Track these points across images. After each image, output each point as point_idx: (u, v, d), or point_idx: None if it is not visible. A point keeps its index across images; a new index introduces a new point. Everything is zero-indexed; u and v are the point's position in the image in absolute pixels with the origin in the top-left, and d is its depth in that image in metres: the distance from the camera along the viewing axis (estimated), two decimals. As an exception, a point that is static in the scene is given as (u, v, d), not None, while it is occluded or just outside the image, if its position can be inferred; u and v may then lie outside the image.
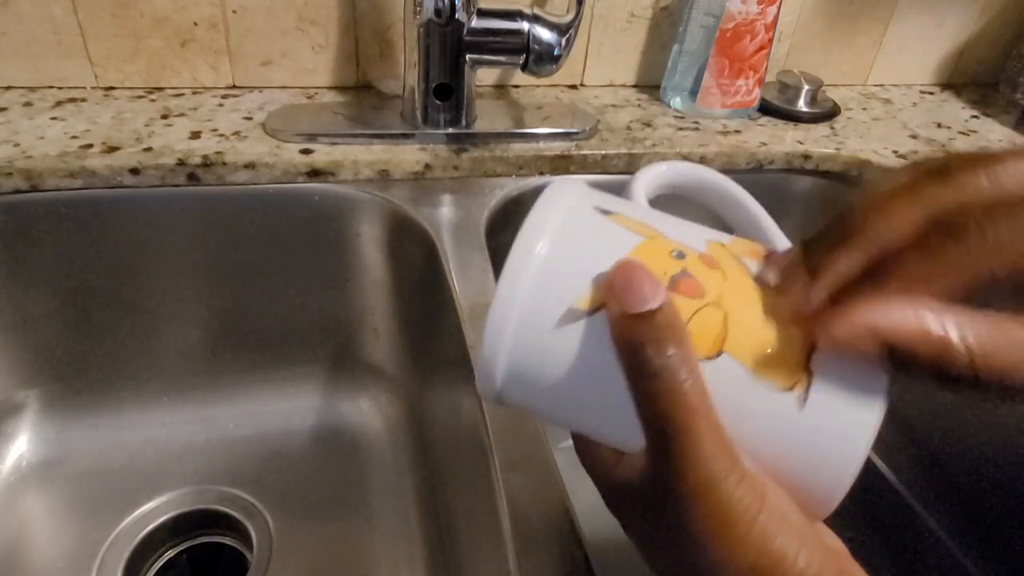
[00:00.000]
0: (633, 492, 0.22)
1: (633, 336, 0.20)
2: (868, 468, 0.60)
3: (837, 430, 0.20)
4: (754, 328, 0.21)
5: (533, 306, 0.22)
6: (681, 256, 0.22)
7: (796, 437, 0.20)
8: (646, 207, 0.26)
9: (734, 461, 0.20)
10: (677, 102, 0.65)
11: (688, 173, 0.33)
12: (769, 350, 0.20)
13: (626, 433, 0.21)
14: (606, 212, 0.23)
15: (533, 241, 0.22)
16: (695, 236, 0.23)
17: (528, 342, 0.22)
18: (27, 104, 0.55)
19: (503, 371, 0.23)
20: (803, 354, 0.20)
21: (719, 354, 0.20)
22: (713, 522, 0.20)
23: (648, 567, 0.23)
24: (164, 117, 0.55)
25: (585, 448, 0.24)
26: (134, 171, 0.49)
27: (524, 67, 0.52)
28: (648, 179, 0.30)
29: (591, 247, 0.22)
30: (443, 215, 0.51)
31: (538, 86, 0.66)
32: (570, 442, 0.25)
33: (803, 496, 0.21)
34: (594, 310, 0.21)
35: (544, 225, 0.22)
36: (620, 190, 0.28)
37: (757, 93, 0.64)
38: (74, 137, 0.51)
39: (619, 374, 0.21)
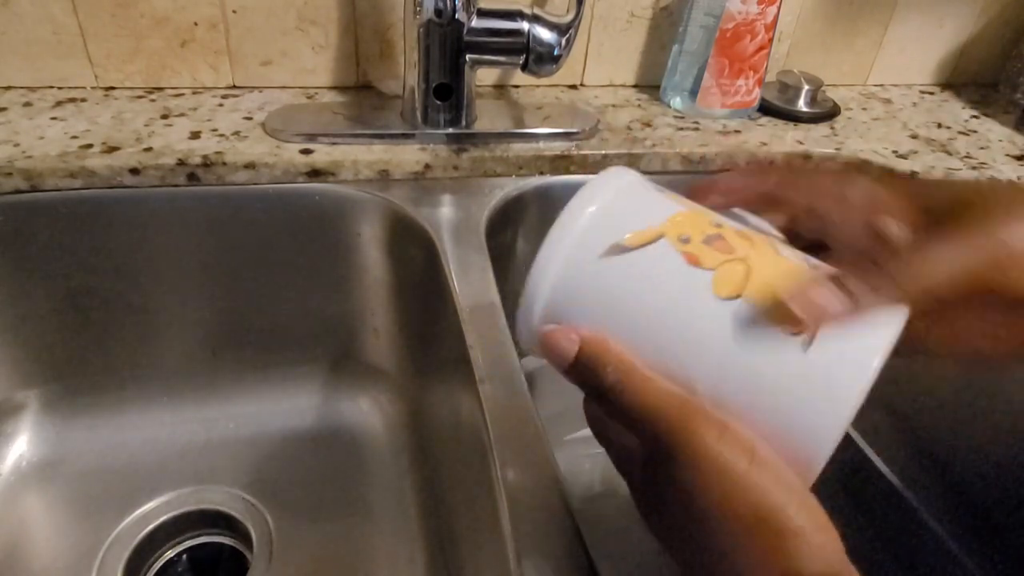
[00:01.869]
0: (638, 460, 0.25)
1: (576, 379, 0.24)
2: (868, 467, 0.60)
3: (836, 372, 0.21)
4: (771, 282, 0.23)
5: (577, 251, 0.25)
6: (719, 226, 0.25)
7: (797, 376, 0.22)
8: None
9: (708, 420, 0.22)
10: (677, 102, 0.65)
11: None
12: (782, 300, 0.22)
13: (657, 347, 0.24)
14: (658, 189, 0.27)
15: (584, 202, 0.25)
16: (738, 222, 0.26)
17: (570, 279, 0.25)
18: (27, 104, 0.55)
19: (543, 305, 0.25)
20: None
21: (737, 297, 0.23)
22: (703, 480, 0.21)
23: (657, 541, 0.25)
24: (164, 117, 0.55)
25: (598, 419, 0.27)
26: (134, 171, 0.49)
27: (524, 67, 0.52)
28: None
29: (635, 210, 0.25)
30: (443, 215, 0.51)
31: (538, 86, 0.66)
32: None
33: (799, 439, 0.22)
34: (636, 246, 0.24)
35: (596, 190, 0.26)
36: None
37: (757, 93, 0.64)
38: (74, 137, 0.51)
39: (655, 298, 0.24)
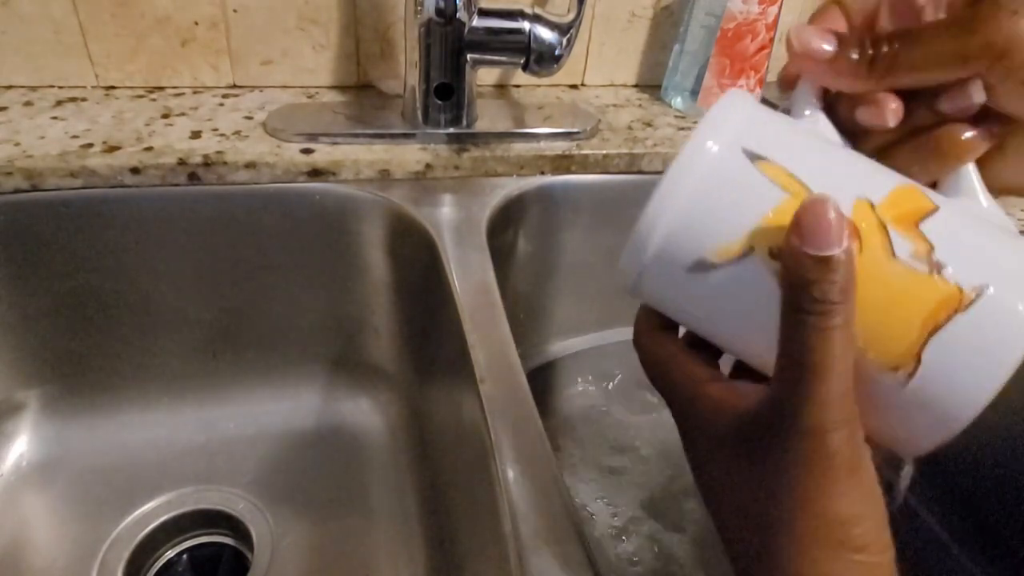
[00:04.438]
0: (732, 422, 0.22)
1: (806, 274, 0.20)
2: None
3: (927, 419, 0.21)
4: (873, 306, 0.21)
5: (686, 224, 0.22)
6: None
7: (886, 416, 0.21)
8: (810, 138, 0.24)
9: (853, 416, 0.20)
10: (678, 102, 0.65)
11: None
12: (882, 329, 0.21)
13: (757, 350, 0.22)
14: (757, 157, 0.22)
15: (703, 139, 0.23)
16: (849, 188, 0.22)
17: (686, 237, 0.22)
18: (27, 103, 0.55)
19: (651, 259, 0.23)
20: (919, 342, 0.20)
21: None
22: (809, 467, 0.20)
23: (712, 517, 0.24)
24: (165, 116, 0.55)
25: (670, 368, 0.24)
26: (135, 171, 0.49)
27: (525, 67, 0.52)
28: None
29: (732, 202, 0.22)
30: (444, 215, 0.51)
31: (539, 86, 0.66)
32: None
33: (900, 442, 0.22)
34: (723, 263, 0.22)
35: (717, 125, 0.23)
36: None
37: (758, 93, 0.64)
38: (75, 136, 0.51)
39: (771, 298, 0.21)
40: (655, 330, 0.25)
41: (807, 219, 0.20)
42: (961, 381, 0.20)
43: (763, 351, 0.22)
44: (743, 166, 0.22)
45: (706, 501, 0.24)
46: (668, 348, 0.25)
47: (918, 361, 0.20)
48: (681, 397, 0.24)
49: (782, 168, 0.22)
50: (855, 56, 0.23)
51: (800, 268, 0.20)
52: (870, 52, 0.22)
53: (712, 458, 0.23)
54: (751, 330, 0.22)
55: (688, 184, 0.22)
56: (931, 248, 0.21)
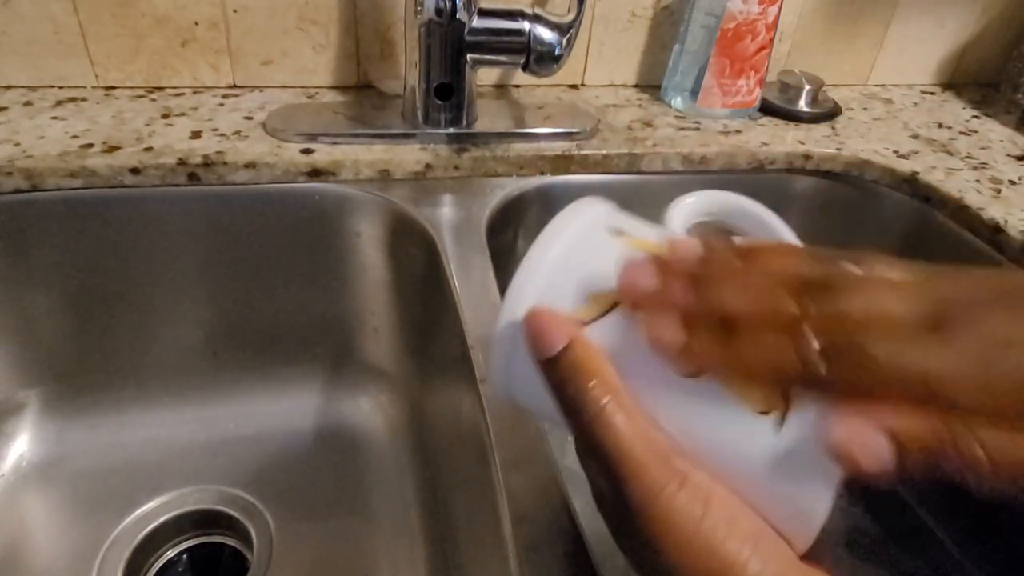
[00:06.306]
0: (606, 501, 0.23)
1: (552, 378, 0.22)
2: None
3: (809, 462, 0.20)
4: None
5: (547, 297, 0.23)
6: None
7: (767, 462, 0.20)
8: (666, 231, 0.26)
9: (671, 471, 0.21)
10: (678, 102, 0.65)
11: (720, 202, 0.34)
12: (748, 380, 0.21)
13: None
14: (618, 232, 0.24)
15: (541, 254, 0.23)
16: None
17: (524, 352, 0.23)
18: (27, 103, 0.55)
19: (507, 375, 0.24)
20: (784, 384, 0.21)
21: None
22: (658, 529, 0.20)
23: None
24: (165, 116, 0.55)
25: (582, 461, 0.25)
26: (135, 171, 0.49)
27: (525, 67, 0.52)
28: (682, 210, 0.31)
29: (589, 264, 0.23)
30: (444, 215, 0.51)
31: (539, 86, 0.66)
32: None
33: (780, 522, 0.21)
34: (592, 319, 0.22)
35: (552, 240, 0.23)
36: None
37: (758, 93, 0.64)
38: (74, 137, 0.51)
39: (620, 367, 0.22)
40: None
41: (528, 333, 0.22)
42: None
43: None
44: (604, 237, 0.24)
45: (627, 561, 0.24)
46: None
47: (788, 401, 0.20)
48: (593, 491, 0.25)
49: (640, 239, 0.24)
50: None
51: (547, 376, 0.22)
52: None
53: (610, 528, 0.24)
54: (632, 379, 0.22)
55: (553, 250, 0.23)
56: None
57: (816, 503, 0.20)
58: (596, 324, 0.22)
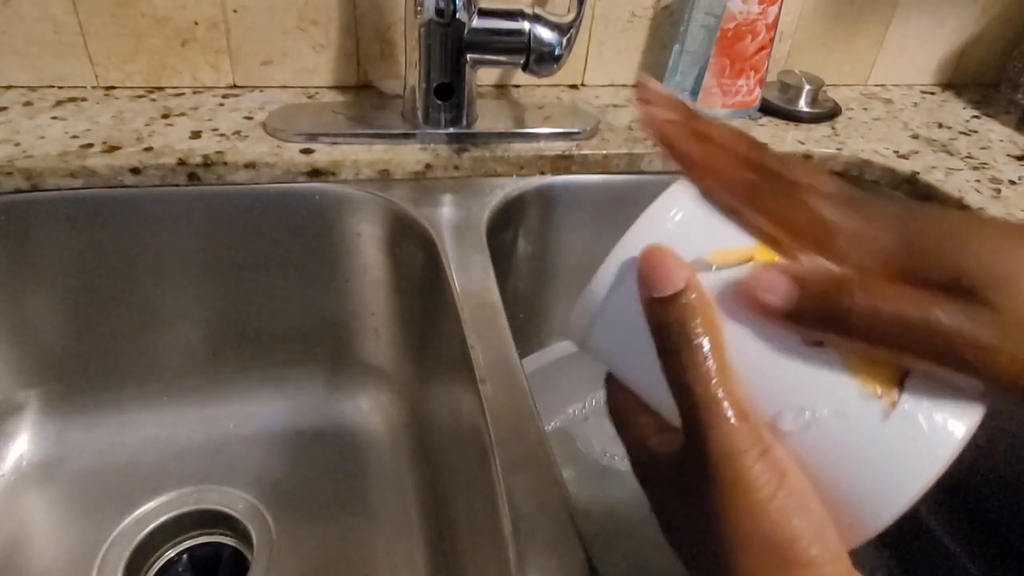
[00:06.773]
0: (663, 466, 0.23)
1: (659, 317, 0.22)
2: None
3: (910, 451, 0.20)
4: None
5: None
6: None
7: (868, 444, 0.20)
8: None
9: (755, 435, 0.21)
10: (678, 102, 0.65)
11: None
12: (871, 356, 0.21)
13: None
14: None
15: (662, 212, 0.23)
16: None
17: (628, 296, 0.23)
18: (27, 103, 0.55)
19: (599, 312, 0.24)
20: (900, 372, 0.21)
21: (821, 344, 0.21)
22: (730, 493, 0.20)
23: (673, 551, 0.24)
24: (165, 116, 0.55)
25: (625, 420, 0.25)
26: (135, 171, 0.49)
27: (525, 67, 0.52)
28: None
29: (715, 231, 0.23)
30: (444, 215, 0.51)
31: (539, 86, 0.66)
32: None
33: (850, 507, 0.21)
34: (724, 265, 0.22)
35: (677, 200, 0.23)
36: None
37: (758, 93, 0.64)
38: (75, 137, 0.51)
39: (734, 326, 0.22)
40: (619, 391, 0.26)
41: (646, 268, 0.22)
42: (944, 409, 0.20)
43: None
44: (711, 217, 0.24)
45: (670, 544, 0.24)
46: (624, 406, 0.25)
47: (901, 390, 0.20)
48: (634, 453, 0.25)
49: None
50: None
51: (653, 314, 0.22)
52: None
53: (657, 498, 0.24)
54: (742, 341, 0.22)
55: (678, 207, 0.23)
56: None
57: (888, 507, 0.20)
58: (715, 275, 0.22)
